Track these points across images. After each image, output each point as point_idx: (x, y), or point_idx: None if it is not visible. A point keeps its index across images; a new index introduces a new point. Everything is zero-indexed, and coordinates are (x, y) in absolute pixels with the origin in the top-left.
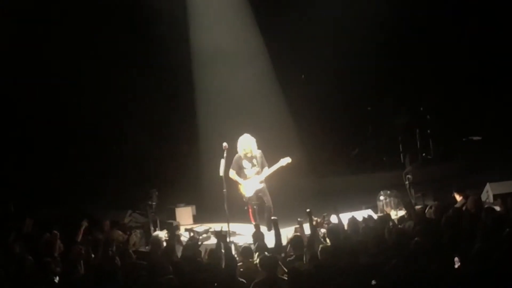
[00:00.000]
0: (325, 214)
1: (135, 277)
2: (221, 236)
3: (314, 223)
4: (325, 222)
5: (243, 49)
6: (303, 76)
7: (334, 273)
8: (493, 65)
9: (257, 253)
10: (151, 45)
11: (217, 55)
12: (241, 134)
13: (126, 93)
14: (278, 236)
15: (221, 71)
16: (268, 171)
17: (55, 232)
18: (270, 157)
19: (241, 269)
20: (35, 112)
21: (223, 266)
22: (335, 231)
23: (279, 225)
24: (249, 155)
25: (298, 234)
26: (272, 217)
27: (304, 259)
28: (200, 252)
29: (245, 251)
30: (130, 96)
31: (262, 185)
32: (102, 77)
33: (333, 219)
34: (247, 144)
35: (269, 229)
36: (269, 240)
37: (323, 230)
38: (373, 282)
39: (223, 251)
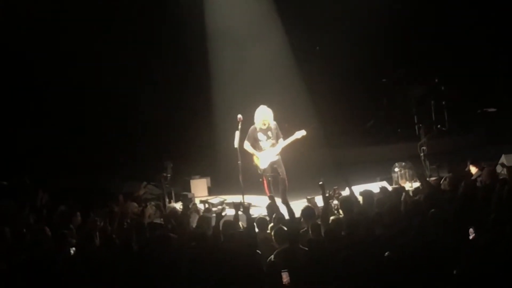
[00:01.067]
0: (335, 187)
1: (151, 249)
2: (244, 208)
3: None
4: (336, 195)
5: (258, 22)
6: (317, 48)
7: (349, 245)
8: (508, 36)
9: (271, 225)
10: (166, 20)
11: (232, 28)
12: (256, 106)
13: (141, 67)
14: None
15: (236, 44)
16: (283, 143)
17: (74, 204)
18: (284, 130)
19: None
20: (51, 84)
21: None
22: (349, 202)
23: (293, 197)
24: (265, 127)
25: (309, 205)
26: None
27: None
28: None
29: (260, 223)
30: (145, 69)
31: (277, 157)
32: (118, 52)
33: (346, 191)
34: (265, 115)
35: (284, 201)
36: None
37: (335, 202)
38: (386, 253)
39: (241, 223)
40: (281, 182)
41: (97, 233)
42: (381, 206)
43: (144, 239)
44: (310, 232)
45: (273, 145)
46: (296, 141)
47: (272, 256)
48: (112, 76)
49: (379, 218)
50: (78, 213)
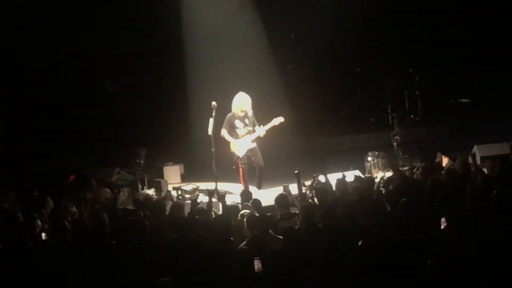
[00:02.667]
0: (315, 174)
1: (123, 235)
2: (219, 195)
3: (305, 186)
4: (315, 182)
5: (233, 11)
6: (292, 36)
7: (323, 233)
8: (481, 27)
9: (242, 212)
10: (142, 8)
11: (207, 16)
12: (230, 93)
13: (116, 55)
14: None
15: (210, 31)
16: (261, 129)
17: (46, 189)
18: (259, 118)
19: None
20: (26, 69)
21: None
22: (323, 191)
23: (268, 185)
24: (243, 114)
25: (283, 193)
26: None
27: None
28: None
29: (232, 210)
30: (119, 55)
31: (254, 145)
32: (93, 38)
33: (322, 178)
34: (243, 102)
35: (259, 188)
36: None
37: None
38: (360, 242)
39: (214, 210)
40: (258, 170)
41: (69, 218)
42: (355, 194)
43: (117, 224)
44: (284, 220)
45: (249, 132)
46: (274, 128)
47: (244, 243)
48: (87, 63)
49: (353, 206)
50: (49, 198)
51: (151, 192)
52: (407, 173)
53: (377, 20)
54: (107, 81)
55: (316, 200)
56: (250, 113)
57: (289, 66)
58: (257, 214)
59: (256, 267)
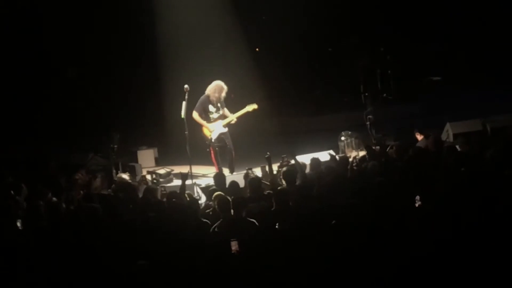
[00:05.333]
0: (283, 155)
1: (98, 220)
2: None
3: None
4: (283, 164)
5: None
6: (264, 18)
7: (293, 214)
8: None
9: (215, 194)
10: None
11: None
12: (203, 76)
13: (89, 39)
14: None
15: (182, 13)
16: (233, 116)
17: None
18: (233, 101)
19: (209, 211)
20: (3, 56)
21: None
22: (291, 173)
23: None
24: (216, 99)
25: (255, 176)
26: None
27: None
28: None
29: (208, 193)
30: (93, 42)
31: (226, 129)
32: (70, 30)
33: (293, 161)
34: (222, 90)
35: (231, 172)
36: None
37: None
38: (333, 222)
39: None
40: (228, 153)
41: (45, 205)
42: (330, 174)
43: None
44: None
45: (220, 116)
46: (247, 113)
47: (216, 226)
48: (63, 49)
49: (328, 186)
50: (24, 185)
51: (126, 176)
52: (380, 151)
53: None
54: (70, 67)
55: (284, 182)
56: (223, 98)
57: (256, 49)
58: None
59: (233, 248)
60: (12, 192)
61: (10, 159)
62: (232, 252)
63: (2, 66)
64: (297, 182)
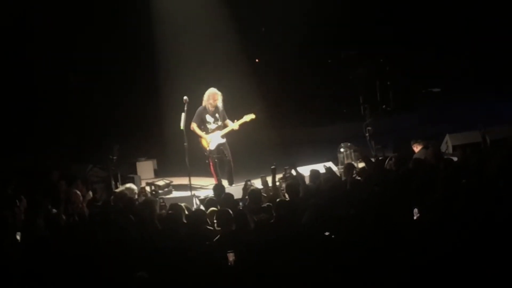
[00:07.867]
0: (286, 167)
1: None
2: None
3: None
4: (286, 175)
5: (204, 4)
6: (263, 29)
7: (294, 227)
8: (452, 17)
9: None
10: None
11: (177, 10)
12: (201, 87)
13: (90, 47)
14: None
15: (181, 25)
16: (232, 126)
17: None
18: (232, 111)
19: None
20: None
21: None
22: (294, 186)
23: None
24: (213, 109)
25: (254, 188)
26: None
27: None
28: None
29: (209, 204)
30: (92, 53)
31: (224, 140)
32: (66, 33)
33: (293, 172)
34: (214, 97)
35: (230, 183)
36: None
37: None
38: (326, 233)
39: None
40: (227, 164)
41: (43, 216)
42: (328, 185)
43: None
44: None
45: (219, 127)
46: (245, 123)
47: (218, 238)
48: (60, 59)
49: (327, 197)
50: (23, 197)
51: (133, 186)
52: (379, 163)
53: (348, 10)
54: (71, 75)
55: (287, 196)
56: (220, 108)
57: (256, 60)
58: (230, 211)
59: (230, 259)
60: (11, 204)
61: (10, 169)
62: (229, 264)
63: (2, 72)
64: (301, 194)
